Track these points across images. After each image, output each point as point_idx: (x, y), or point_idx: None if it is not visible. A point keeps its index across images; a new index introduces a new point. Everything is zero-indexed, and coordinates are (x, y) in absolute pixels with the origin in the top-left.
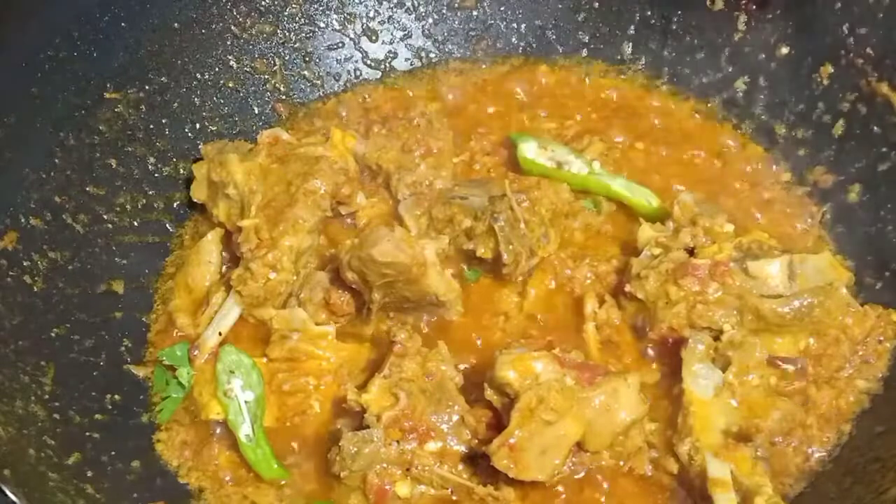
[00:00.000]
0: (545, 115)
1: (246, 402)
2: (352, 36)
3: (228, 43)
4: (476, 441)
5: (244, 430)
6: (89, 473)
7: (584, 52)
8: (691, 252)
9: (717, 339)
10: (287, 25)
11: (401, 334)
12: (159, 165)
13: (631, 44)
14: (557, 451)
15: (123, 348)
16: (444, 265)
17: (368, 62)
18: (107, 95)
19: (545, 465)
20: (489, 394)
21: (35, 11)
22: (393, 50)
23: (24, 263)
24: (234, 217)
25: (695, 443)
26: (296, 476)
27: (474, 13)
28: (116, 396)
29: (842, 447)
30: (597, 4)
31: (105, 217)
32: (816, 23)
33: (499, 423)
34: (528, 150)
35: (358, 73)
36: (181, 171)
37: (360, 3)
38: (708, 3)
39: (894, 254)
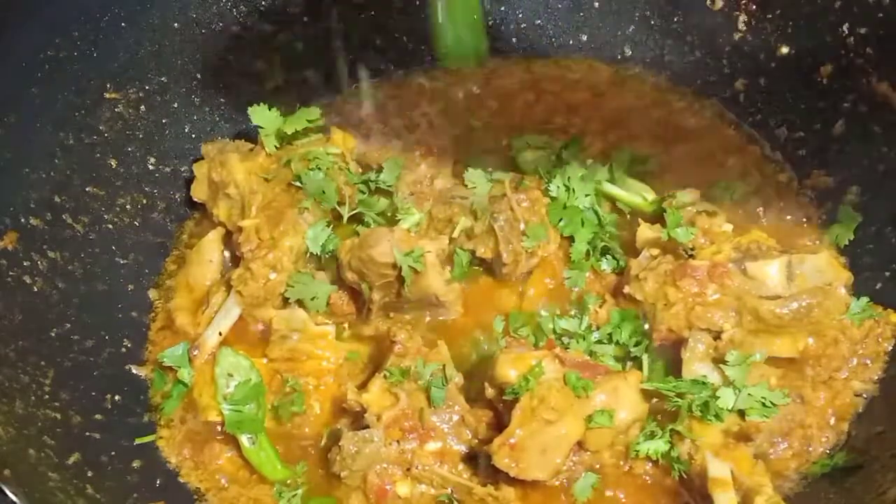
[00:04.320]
0: (546, 114)
1: None
2: (352, 36)
3: (228, 43)
4: (476, 441)
5: (246, 433)
6: (89, 473)
7: (584, 53)
8: (690, 253)
9: (717, 338)
10: (287, 26)
11: (401, 334)
12: (159, 165)
13: (631, 44)
14: (558, 450)
15: (123, 348)
16: (444, 265)
17: (369, 62)
18: (107, 95)
19: (546, 465)
20: (489, 393)
21: (35, 11)
22: (394, 50)
23: (24, 263)
24: (234, 217)
25: (695, 442)
26: (297, 476)
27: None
28: (116, 396)
29: (841, 447)
30: (597, 4)
31: (105, 217)
32: (816, 23)
33: (499, 423)
34: (525, 153)
35: (359, 73)
36: (181, 170)
37: (361, 3)
38: (708, 2)
39: (894, 254)
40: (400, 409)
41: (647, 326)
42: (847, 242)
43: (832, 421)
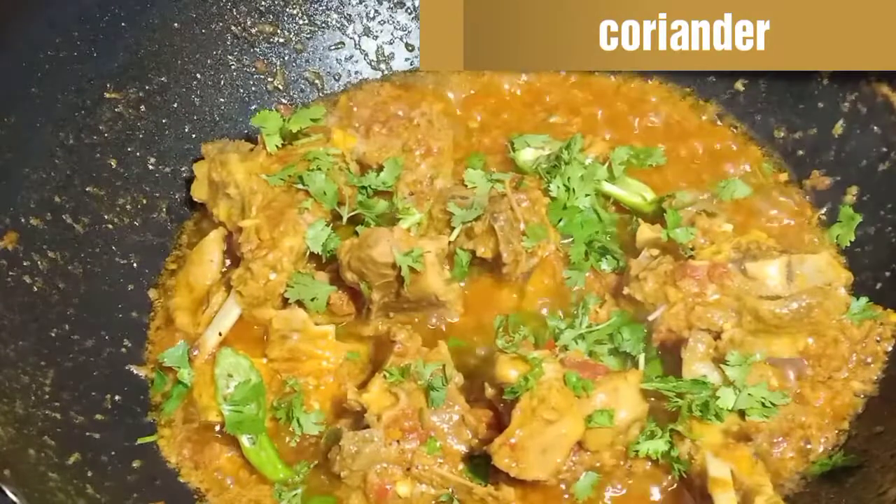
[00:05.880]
0: (546, 114)
1: None
2: (352, 36)
3: (228, 43)
4: (476, 441)
5: (246, 434)
6: (89, 473)
7: None
8: (690, 253)
9: (717, 338)
10: (287, 25)
11: (401, 334)
12: (160, 165)
13: None
14: (558, 450)
15: (123, 348)
16: (444, 265)
17: (369, 62)
18: (107, 95)
19: (546, 465)
20: (489, 393)
21: (35, 11)
22: (393, 50)
23: (24, 263)
24: (234, 217)
25: (695, 442)
26: (297, 476)
27: None
28: (116, 396)
29: (841, 447)
30: None
31: (105, 217)
32: None
33: (499, 423)
34: (525, 153)
35: (358, 73)
36: (181, 170)
37: (360, 3)
38: None
39: (894, 254)
40: (400, 409)
41: (646, 328)
42: (848, 243)
43: (832, 421)
